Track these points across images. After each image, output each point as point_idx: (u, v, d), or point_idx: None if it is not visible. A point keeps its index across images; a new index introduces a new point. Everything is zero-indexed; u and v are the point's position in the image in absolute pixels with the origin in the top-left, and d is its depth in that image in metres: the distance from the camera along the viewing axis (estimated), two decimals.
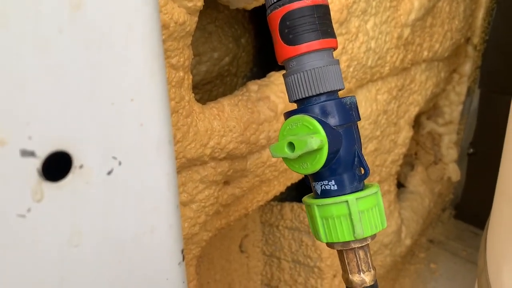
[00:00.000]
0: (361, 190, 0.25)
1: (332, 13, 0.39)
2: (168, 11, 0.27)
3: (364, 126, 0.52)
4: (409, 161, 0.79)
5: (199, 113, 0.33)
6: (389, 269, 0.69)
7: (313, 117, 0.24)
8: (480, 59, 0.76)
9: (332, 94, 0.25)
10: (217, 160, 0.35)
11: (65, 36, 0.13)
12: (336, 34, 0.41)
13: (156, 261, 0.17)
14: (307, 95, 0.25)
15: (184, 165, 0.33)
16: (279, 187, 0.46)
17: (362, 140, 0.54)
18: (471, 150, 0.83)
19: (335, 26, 0.40)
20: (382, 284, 0.72)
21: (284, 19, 0.24)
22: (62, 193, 0.14)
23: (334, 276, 0.60)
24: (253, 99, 0.36)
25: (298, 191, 0.60)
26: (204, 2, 0.30)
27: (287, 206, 0.58)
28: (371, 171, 0.58)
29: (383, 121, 0.55)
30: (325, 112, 0.24)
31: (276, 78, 0.38)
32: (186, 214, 0.35)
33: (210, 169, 0.35)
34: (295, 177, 0.48)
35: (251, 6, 0.35)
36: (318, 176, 0.25)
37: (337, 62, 0.26)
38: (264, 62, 0.47)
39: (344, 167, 0.24)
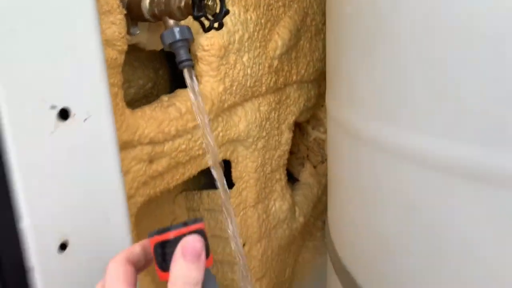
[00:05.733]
0: None
1: (214, 51, 0.62)
2: (106, 53, 0.47)
3: (252, 129, 0.74)
4: (302, 162, 1.02)
5: (129, 115, 0.53)
6: (289, 242, 0.90)
7: None
8: None
9: None
10: (143, 144, 0.55)
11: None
12: (220, 64, 0.63)
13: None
14: None
15: (122, 147, 0.52)
16: (192, 170, 0.66)
17: (252, 139, 0.75)
18: None
19: (217, 59, 0.62)
20: (287, 256, 0.92)
21: None
22: (68, 128, 0.33)
23: (244, 244, 0.80)
24: (165, 105, 0.57)
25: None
26: (131, 47, 0.51)
27: (204, 193, 0.78)
28: (263, 163, 0.80)
29: (267, 125, 0.77)
30: None
31: (180, 93, 0.60)
32: (126, 180, 0.54)
33: (138, 151, 0.55)
34: (203, 164, 0.68)
35: (159, 48, 0.56)
36: None
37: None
38: (176, 87, 0.67)
39: None
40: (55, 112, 0.33)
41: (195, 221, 0.32)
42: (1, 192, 0.30)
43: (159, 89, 0.70)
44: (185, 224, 0.31)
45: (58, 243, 0.34)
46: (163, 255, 0.29)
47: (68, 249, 0.35)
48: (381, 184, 0.47)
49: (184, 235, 0.30)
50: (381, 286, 0.48)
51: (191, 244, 0.29)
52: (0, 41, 0.29)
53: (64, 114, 0.33)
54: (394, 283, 0.47)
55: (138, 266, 0.31)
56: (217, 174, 0.48)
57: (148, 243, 0.32)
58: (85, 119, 0.35)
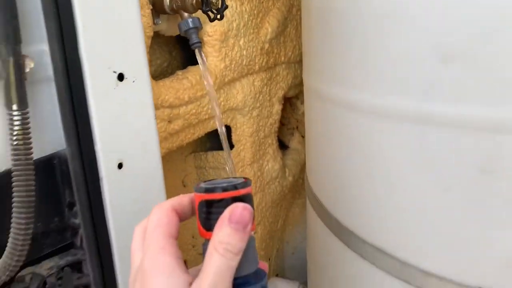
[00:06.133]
0: None
1: (216, 36, 0.79)
2: None
3: (247, 100, 0.91)
4: (292, 132, 1.20)
5: (154, 84, 0.70)
6: (281, 198, 1.08)
7: None
8: None
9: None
10: (164, 107, 0.72)
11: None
12: (222, 46, 0.80)
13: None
14: None
15: None
16: (200, 131, 0.83)
17: (248, 108, 0.93)
18: None
19: (219, 43, 0.79)
20: (279, 210, 1.10)
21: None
22: (123, 86, 0.50)
23: None
24: (180, 78, 0.74)
25: (217, 143, 0.98)
26: (154, 33, 0.68)
27: (209, 153, 0.96)
28: (257, 129, 0.97)
29: (260, 97, 0.95)
30: None
31: (191, 69, 0.77)
32: None
33: (160, 112, 0.72)
34: (210, 127, 0.85)
35: (176, 33, 0.73)
36: None
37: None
38: (187, 65, 0.85)
39: None
40: (116, 75, 0.50)
41: (245, 184, 0.30)
42: (86, 125, 0.48)
43: (172, 68, 0.87)
44: (235, 187, 0.30)
45: (117, 162, 0.52)
46: (207, 213, 0.29)
47: (123, 168, 0.52)
48: (336, 131, 0.65)
49: (232, 198, 0.29)
50: (342, 207, 0.66)
51: (240, 212, 0.28)
52: (84, 33, 0.46)
53: (121, 77, 0.51)
54: (349, 204, 0.64)
55: (183, 217, 0.32)
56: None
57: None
58: (133, 81, 0.52)
